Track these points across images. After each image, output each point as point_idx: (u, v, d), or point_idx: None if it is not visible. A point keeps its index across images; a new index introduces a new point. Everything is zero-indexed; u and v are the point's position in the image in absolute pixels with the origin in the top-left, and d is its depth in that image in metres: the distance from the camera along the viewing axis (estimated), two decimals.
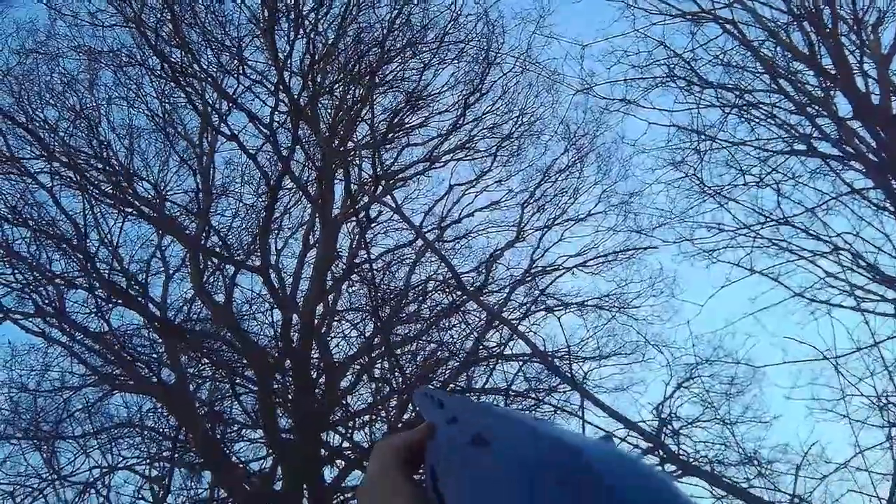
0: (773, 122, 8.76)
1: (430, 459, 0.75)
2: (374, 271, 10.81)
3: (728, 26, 8.72)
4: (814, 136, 8.45)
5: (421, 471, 0.78)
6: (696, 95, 8.06)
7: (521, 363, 9.97)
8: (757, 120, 8.34)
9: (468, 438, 0.64)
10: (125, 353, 11.02)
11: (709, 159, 8.61)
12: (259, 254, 11.08)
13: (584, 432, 8.48)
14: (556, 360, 8.91)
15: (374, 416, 10.92)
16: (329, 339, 12.07)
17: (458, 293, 9.71)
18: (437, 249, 10.11)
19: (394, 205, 8.86)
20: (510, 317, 12.42)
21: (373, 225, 11.49)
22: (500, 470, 0.56)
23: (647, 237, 11.48)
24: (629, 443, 5.63)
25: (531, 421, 0.57)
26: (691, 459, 11.00)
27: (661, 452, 5.35)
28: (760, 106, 8.18)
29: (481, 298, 10.15)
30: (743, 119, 8.14)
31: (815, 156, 8.47)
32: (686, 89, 8.15)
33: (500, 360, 9.85)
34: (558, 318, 9.17)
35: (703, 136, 7.95)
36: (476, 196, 12.95)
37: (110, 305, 10.88)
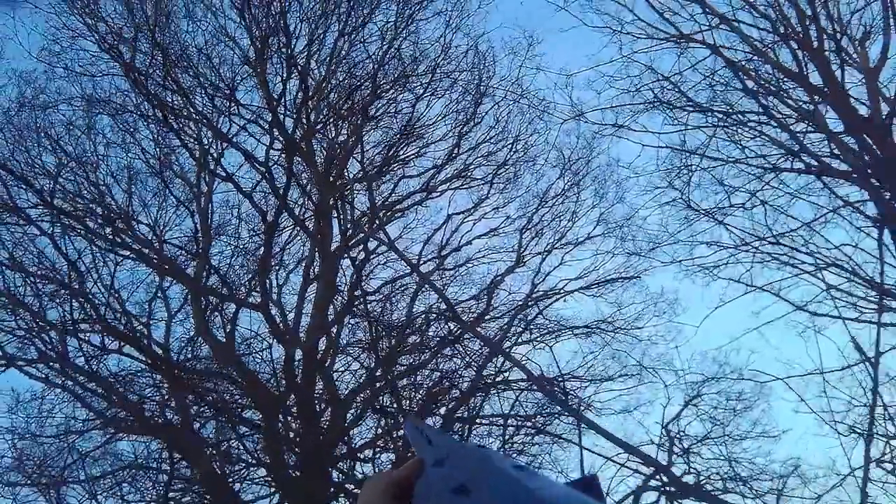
0: (762, 139, 8.79)
1: (417, 499, 0.76)
2: (375, 303, 10.83)
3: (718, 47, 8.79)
4: (804, 152, 8.47)
5: None
6: (683, 117, 8.12)
7: (517, 392, 9.93)
8: (748, 138, 8.38)
9: (451, 486, 0.66)
10: (129, 396, 11.07)
11: (699, 180, 8.66)
12: (259, 291, 11.13)
13: (583, 459, 8.47)
14: (554, 386, 8.89)
15: (378, 449, 10.88)
16: (333, 372, 12.07)
17: (456, 324, 9.71)
18: (432, 283, 10.14)
19: (387, 240, 8.89)
20: (513, 343, 12.45)
21: (372, 257, 11.53)
22: None
23: (645, 258, 11.47)
24: (629, 467, 5.62)
25: (514, 473, 0.60)
26: (701, 477, 10.98)
27: (662, 476, 5.32)
28: (749, 124, 8.22)
29: (480, 327, 10.16)
30: (730, 140, 8.17)
31: (806, 172, 8.49)
32: (672, 112, 8.21)
33: (500, 389, 9.83)
34: (550, 347, 9.11)
35: (690, 156, 7.99)
36: (474, 224, 12.98)
37: (112, 349, 10.94)
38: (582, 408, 9.44)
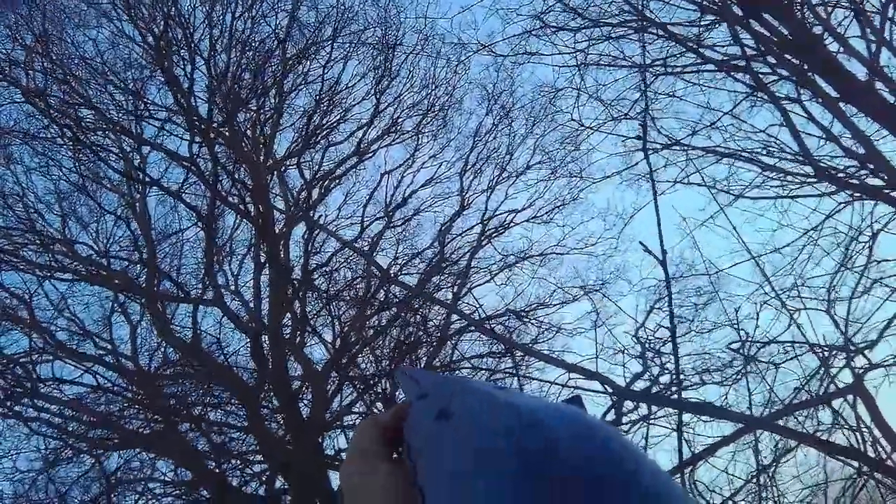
0: (665, 38, 8.75)
1: (407, 437, 0.77)
2: (327, 275, 10.88)
3: None
4: (704, 43, 8.48)
5: (401, 449, 0.79)
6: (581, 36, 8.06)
7: (460, 338, 10.07)
8: (651, 39, 8.34)
9: (433, 413, 0.67)
10: (106, 413, 11.12)
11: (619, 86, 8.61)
12: (212, 286, 11.13)
13: (521, 389, 8.63)
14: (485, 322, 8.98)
15: (360, 414, 11.04)
16: (306, 346, 12.17)
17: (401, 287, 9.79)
18: (367, 254, 10.19)
19: (318, 222, 8.89)
20: (476, 285, 12.61)
21: (315, 232, 11.54)
22: (460, 443, 0.59)
23: (583, 178, 11.56)
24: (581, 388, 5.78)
25: (493, 391, 0.60)
26: (673, 376, 11.22)
27: (606, 387, 5.46)
28: (649, 30, 8.17)
29: (428, 286, 10.22)
30: (633, 42, 8.12)
31: (709, 62, 8.51)
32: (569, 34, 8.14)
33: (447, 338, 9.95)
34: (506, 280, 9.20)
35: (583, 71, 7.97)
36: (414, 176, 13.00)
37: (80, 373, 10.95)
38: (519, 338, 9.58)
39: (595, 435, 0.51)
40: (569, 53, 7.89)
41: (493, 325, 8.72)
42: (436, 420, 0.66)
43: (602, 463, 0.49)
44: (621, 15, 8.27)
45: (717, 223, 7.68)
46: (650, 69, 7.14)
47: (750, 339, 6.16)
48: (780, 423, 5.13)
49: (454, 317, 11.42)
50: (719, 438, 5.66)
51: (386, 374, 11.03)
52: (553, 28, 7.73)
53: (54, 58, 10.40)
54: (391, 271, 11.92)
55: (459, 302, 11.92)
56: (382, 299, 11.12)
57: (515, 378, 9.40)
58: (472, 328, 9.15)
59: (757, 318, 6.87)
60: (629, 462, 0.50)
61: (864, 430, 5.32)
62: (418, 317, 10.60)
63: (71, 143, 10.52)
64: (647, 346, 12.12)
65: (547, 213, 12.94)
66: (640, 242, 4.44)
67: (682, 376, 11.00)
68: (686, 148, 10.35)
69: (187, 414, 11.51)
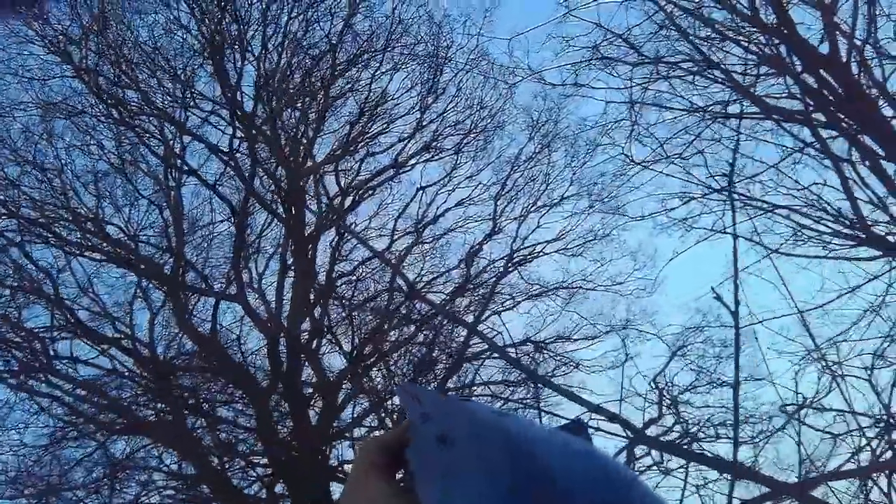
0: (724, 84, 8.64)
1: (409, 460, 0.77)
2: (351, 285, 10.80)
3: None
4: (764, 95, 8.36)
5: (402, 471, 0.80)
6: (636, 72, 7.96)
7: (480, 362, 9.93)
8: (696, 87, 8.24)
9: (435, 437, 0.68)
10: (118, 398, 11.09)
11: (648, 132, 8.50)
12: (236, 282, 11.09)
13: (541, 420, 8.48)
14: (508, 350, 8.85)
15: (369, 427, 10.93)
16: (321, 355, 12.08)
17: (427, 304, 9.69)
18: (396, 266, 10.09)
19: (349, 228, 8.84)
20: (492, 312, 12.48)
21: (346, 238, 11.48)
22: (461, 469, 0.59)
23: (620, 216, 11.40)
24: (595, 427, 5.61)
25: (495, 418, 0.60)
26: (691, 426, 10.99)
27: (627, 430, 5.32)
28: (694, 72, 8.05)
29: (451, 306, 10.10)
30: (674, 93, 8.01)
31: (767, 117, 8.38)
32: (626, 67, 8.05)
33: (473, 361, 9.82)
34: (528, 311, 9.06)
35: (640, 108, 7.87)
36: (448, 195, 12.92)
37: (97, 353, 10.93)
38: (538, 369, 9.41)
39: (608, 477, 0.49)
40: (623, 88, 7.80)
41: (516, 354, 8.57)
42: (437, 443, 0.66)
43: (599, 490, 0.48)
44: (677, 55, 8.18)
45: (759, 274, 7.51)
46: (708, 113, 7.02)
47: (794, 402, 5.96)
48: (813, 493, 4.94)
49: (474, 339, 11.33)
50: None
51: (391, 391, 10.94)
52: (610, 60, 7.64)
53: (109, 39, 10.47)
54: (416, 287, 11.84)
55: (481, 326, 11.82)
56: (404, 314, 11.02)
57: (532, 409, 9.27)
58: (493, 354, 9.00)
59: (796, 377, 6.70)
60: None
61: None
62: (440, 335, 10.48)
63: (114, 123, 10.56)
64: (664, 392, 11.98)
65: (578, 245, 12.81)
66: (713, 289, 4.31)
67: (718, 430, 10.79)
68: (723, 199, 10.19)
69: (196, 406, 11.45)
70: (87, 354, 11.11)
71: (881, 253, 7.40)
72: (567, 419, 8.66)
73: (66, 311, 10.78)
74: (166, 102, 11.14)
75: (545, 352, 12.11)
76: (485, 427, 0.60)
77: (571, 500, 0.46)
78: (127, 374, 11.49)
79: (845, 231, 9.02)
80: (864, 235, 7.13)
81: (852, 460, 5.38)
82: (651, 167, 8.08)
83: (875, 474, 5.04)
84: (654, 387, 11.58)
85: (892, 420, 5.37)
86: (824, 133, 9.63)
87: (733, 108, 9.10)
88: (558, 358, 12.04)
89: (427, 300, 10.04)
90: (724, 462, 5.41)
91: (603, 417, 5.30)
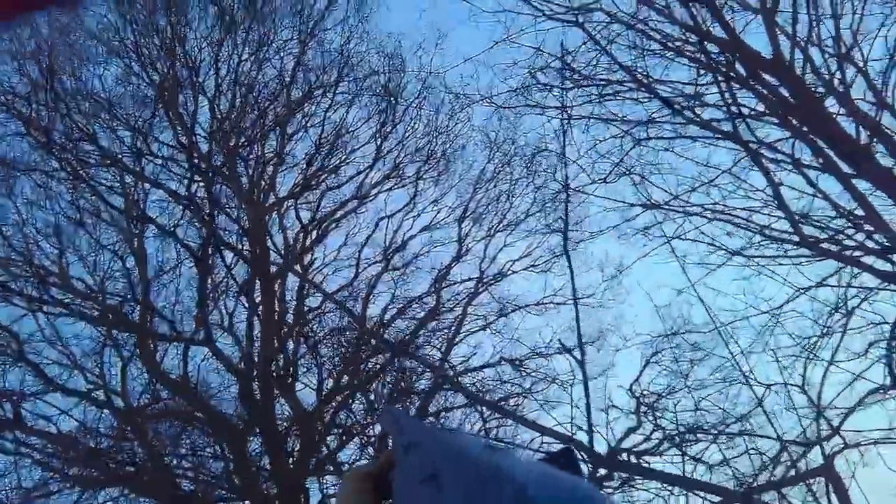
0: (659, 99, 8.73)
1: (395, 487, 0.77)
2: (321, 318, 10.82)
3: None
4: (694, 106, 8.47)
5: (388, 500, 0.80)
6: (574, 93, 8.06)
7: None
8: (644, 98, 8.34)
9: (421, 476, 0.66)
10: (94, 450, 10.99)
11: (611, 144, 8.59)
12: (203, 326, 11.08)
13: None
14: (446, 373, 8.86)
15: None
16: (294, 393, 12.03)
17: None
18: (344, 305, 10.16)
19: (298, 272, 8.88)
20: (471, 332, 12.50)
21: (311, 273, 11.50)
22: None
23: (580, 231, 11.45)
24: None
25: (483, 455, 0.59)
26: (668, 431, 10.99)
27: (583, 454, 5.35)
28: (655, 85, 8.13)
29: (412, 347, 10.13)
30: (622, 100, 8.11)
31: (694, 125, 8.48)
32: (566, 89, 8.13)
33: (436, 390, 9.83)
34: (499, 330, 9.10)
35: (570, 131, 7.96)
36: (414, 220, 12.96)
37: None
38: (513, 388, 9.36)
39: None
40: (557, 108, 7.90)
41: (480, 377, 8.60)
42: (424, 483, 0.65)
43: None
44: (615, 73, 8.28)
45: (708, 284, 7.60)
46: (637, 128, 7.14)
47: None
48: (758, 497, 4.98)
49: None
50: None
51: (372, 419, 10.92)
52: (543, 85, 7.75)
53: (58, 92, 10.50)
54: (385, 317, 11.87)
55: (450, 353, 11.81)
56: (371, 348, 11.03)
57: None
58: (445, 385, 9.03)
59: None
60: None
61: None
62: (408, 365, 10.50)
63: (70, 177, 10.57)
64: (640, 400, 11.99)
65: (545, 261, 12.86)
66: (560, 341, 4.33)
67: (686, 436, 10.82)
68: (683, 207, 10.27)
69: (173, 453, 11.37)
70: (64, 405, 11.02)
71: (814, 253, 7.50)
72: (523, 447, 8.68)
73: (34, 368, 10.71)
74: (122, 152, 11.17)
75: (520, 369, 12.14)
76: (474, 466, 0.59)
77: None
78: (99, 427, 11.41)
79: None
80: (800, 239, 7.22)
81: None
82: (584, 191, 8.15)
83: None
84: (631, 395, 11.64)
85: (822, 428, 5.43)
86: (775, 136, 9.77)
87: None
88: (533, 374, 12.06)
89: (382, 339, 10.06)
90: (675, 476, 5.45)
91: (557, 440, 5.33)
